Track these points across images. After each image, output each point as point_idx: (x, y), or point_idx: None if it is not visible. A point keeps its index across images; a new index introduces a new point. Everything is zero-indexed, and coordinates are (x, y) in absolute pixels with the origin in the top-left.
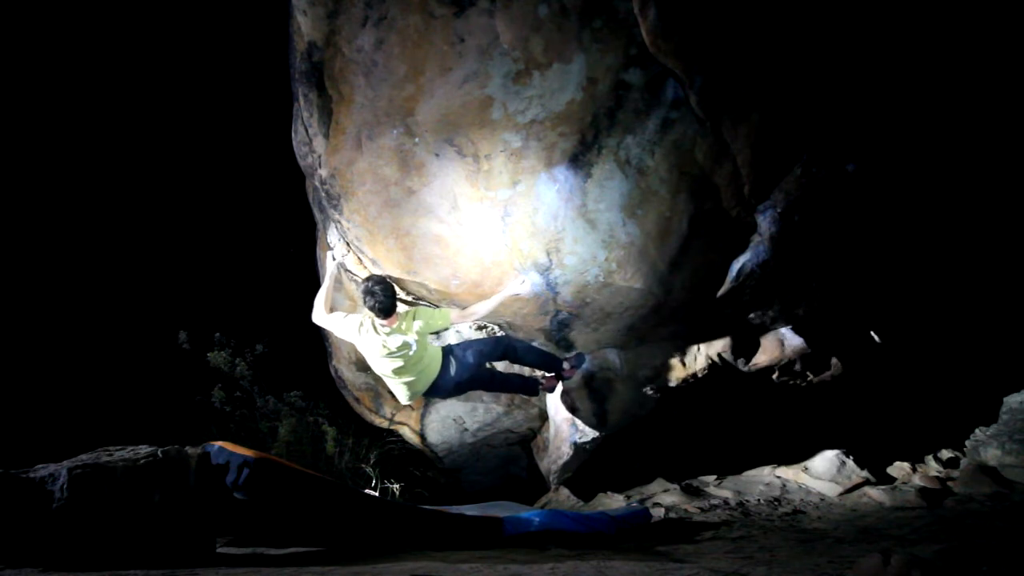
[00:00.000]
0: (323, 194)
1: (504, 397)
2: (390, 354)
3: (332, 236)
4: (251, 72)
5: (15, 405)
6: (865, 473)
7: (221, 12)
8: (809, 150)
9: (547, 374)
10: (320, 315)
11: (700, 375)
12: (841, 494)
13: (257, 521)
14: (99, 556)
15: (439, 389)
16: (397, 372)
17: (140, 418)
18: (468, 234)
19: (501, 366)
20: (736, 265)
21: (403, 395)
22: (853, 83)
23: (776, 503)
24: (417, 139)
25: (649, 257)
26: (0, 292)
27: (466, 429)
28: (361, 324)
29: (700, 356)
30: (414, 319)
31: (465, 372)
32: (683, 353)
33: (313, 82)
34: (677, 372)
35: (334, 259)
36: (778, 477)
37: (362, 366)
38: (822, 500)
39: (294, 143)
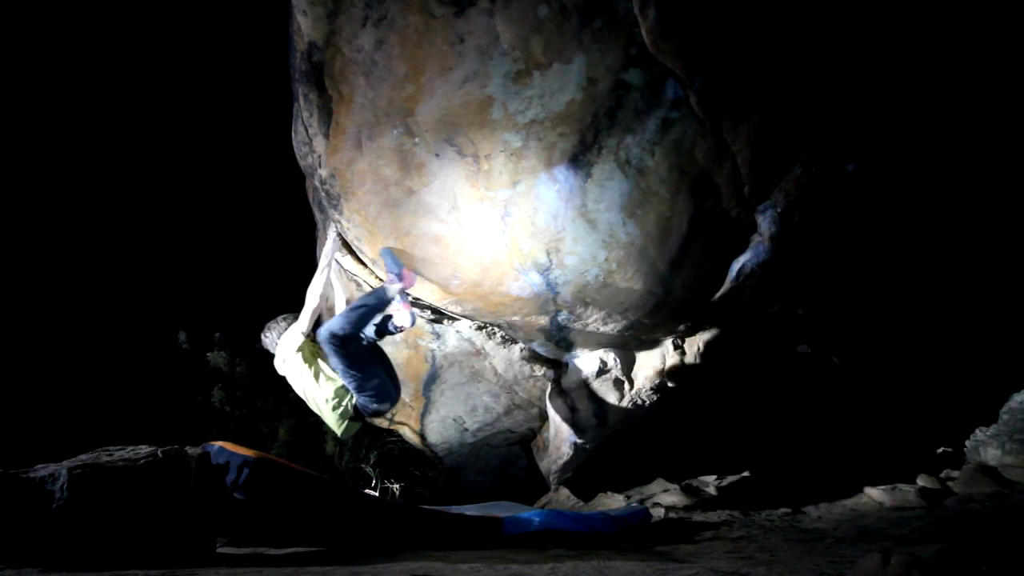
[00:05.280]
0: (323, 194)
1: (504, 398)
2: None
3: (331, 234)
4: (251, 72)
5: (15, 405)
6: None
7: (221, 12)
8: (809, 150)
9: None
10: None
11: (700, 375)
12: (841, 494)
13: (257, 521)
14: (99, 556)
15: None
16: None
17: (140, 418)
18: (468, 234)
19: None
20: (736, 265)
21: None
22: (853, 83)
23: (776, 503)
24: (417, 139)
25: (649, 257)
26: (0, 292)
27: (466, 429)
28: None
29: (700, 356)
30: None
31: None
32: (683, 353)
33: (313, 82)
34: (677, 372)
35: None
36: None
37: None
38: (822, 500)
39: (294, 143)
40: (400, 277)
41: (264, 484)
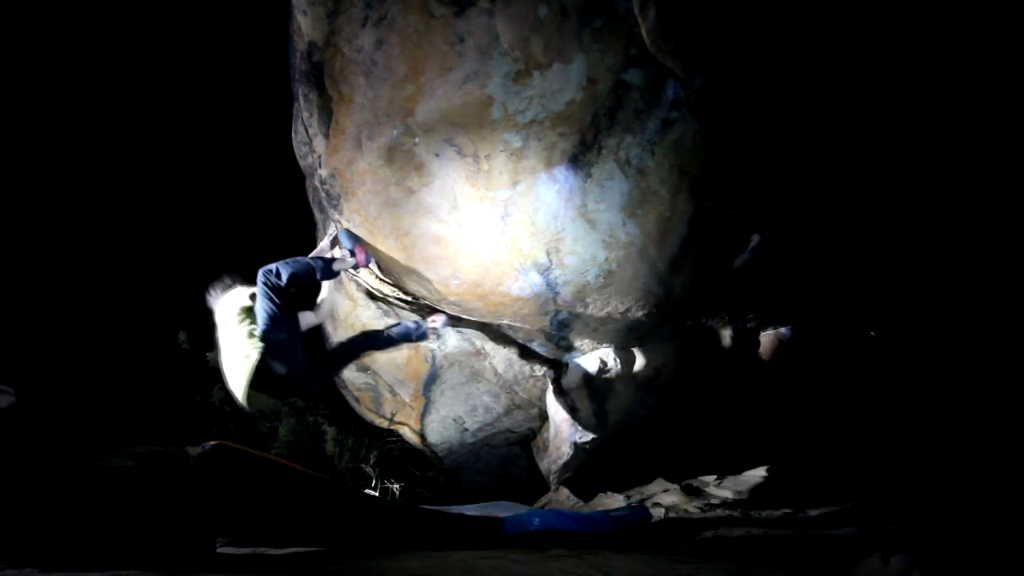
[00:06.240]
0: (323, 194)
1: (504, 398)
2: None
3: (330, 231)
4: (251, 72)
5: (15, 405)
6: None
7: (222, 12)
8: (809, 149)
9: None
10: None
11: (700, 375)
12: (841, 494)
13: (256, 521)
14: (99, 556)
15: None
16: None
17: (140, 418)
18: (468, 234)
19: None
20: (736, 265)
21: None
22: (854, 83)
23: (776, 503)
24: (417, 139)
25: (649, 257)
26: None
27: (466, 429)
28: None
29: (700, 356)
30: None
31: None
32: (683, 353)
33: (313, 82)
34: (678, 371)
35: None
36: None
37: (361, 366)
38: (822, 500)
39: (294, 143)
40: (352, 254)
41: (264, 484)
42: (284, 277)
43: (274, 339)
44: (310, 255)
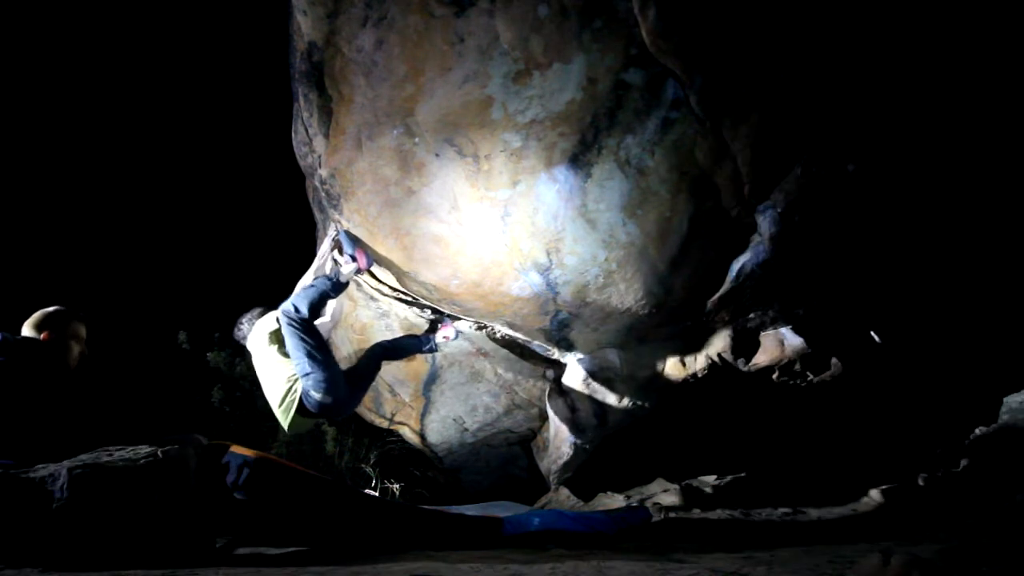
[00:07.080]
0: (323, 194)
1: (504, 398)
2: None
3: (330, 232)
4: (251, 72)
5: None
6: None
7: (222, 12)
8: (809, 150)
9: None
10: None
11: (700, 375)
12: (841, 494)
13: (257, 521)
14: (99, 556)
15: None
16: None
17: (140, 418)
18: (468, 234)
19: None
20: (736, 265)
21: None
22: (854, 83)
23: (776, 503)
24: (417, 139)
25: (649, 257)
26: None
27: (466, 429)
28: None
29: (700, 356)
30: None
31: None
32: (683, 353)
33: (313, 82)
34: (677, 372)
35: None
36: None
37: None
38: (822, 500)
39: (294, 143)
40: (353, 258)
41: (264, 484)
42: (305, 310)
43: (317, 374)
44: (312, 265)
